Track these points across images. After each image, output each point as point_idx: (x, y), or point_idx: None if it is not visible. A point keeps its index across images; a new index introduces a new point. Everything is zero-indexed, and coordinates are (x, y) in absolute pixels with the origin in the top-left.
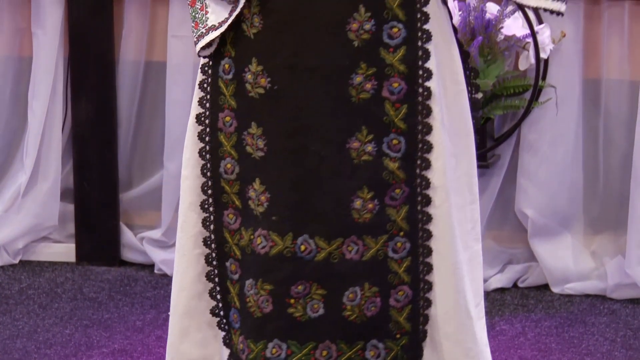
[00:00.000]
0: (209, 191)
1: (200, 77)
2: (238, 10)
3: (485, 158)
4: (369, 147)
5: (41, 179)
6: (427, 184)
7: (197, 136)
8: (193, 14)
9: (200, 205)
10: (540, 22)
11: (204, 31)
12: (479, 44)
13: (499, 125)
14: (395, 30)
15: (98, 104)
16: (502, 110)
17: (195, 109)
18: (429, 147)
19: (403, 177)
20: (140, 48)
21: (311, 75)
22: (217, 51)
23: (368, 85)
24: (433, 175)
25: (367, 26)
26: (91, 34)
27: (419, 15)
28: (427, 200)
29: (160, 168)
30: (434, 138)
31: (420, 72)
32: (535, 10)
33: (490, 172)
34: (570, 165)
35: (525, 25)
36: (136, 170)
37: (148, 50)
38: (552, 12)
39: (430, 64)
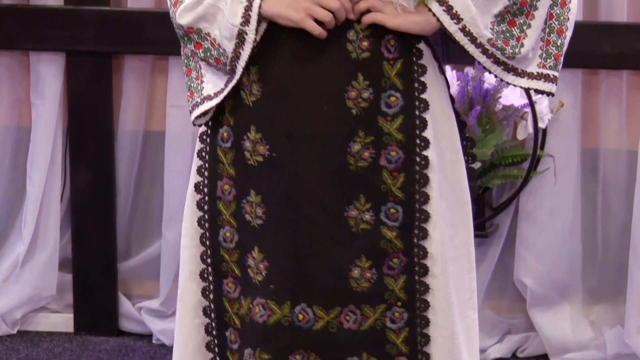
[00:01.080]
0: (208, 260)
1: (198, 145)
2: (234, 81)
3: (483, 227)
4: (367, 216)
5: (39, 249)
6: (424, 253)
7: (196, 205)
8: (189, 82)
9: (199, 275)
10: None
11: (199, 100)
12: (477, 113)
13: (498, 195)
14: (393, 99)
15: (97, 174)
16: (501, 179)
17: (194, 178)
18: (426, 217)
19: (401, 247)
20: (139, 118)
21: (310, 143)
22: (216, 119)
23: (366, 154)
24: (430, 244)
25: (365, 94)
26: (90, 104)
27: (416, 85)
28: (425, 270)
29: (159, 237)
30: (432, 207)
31: (418, 141)
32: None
33: (489, 242)
34: (569, 234)
35: (524, 94)
36: (134, 240)
37: (147, 120)
38: (542, 92)
39: (428, 133)
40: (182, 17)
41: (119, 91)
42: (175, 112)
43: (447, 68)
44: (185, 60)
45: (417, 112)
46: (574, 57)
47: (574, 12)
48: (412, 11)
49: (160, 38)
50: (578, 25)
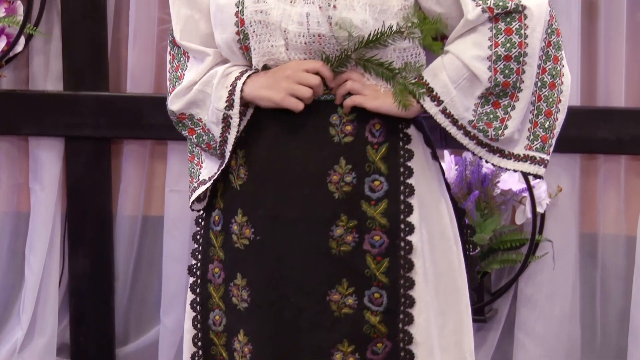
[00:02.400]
0: (199, 343)
1: (195, 229)
2: (223, 165)
3: (482, 312)
4: (350, 300)
5: (37, 334)
6: (409, 339)
7: (190, 288)
8: (190, 169)
9: (191, 358)
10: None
11: (196, 185)
12: (475, 198)
13: (496, 280)
14: (377, 183)
15: (95, 259)
16: (499, 264)
17: (191, 261)
18: (411, 302)
19: (385, 332)
20: (137, 202)
21: (292, 227)
22: (210, 203)
23: (349, 238)
24: (416, 330)
25: (348, 178)
26: (89, 189)
27: (402, 170)
28: (410, 356)
29: (157, 323)
30: (417, 293)
31: (402, 226)
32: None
33: (488, 327)
34: (568, 319)
35: (522, 179)
36: (133, 325)
37: (145, 205)
38: (529, 174)
39: (413, 218)
40: (173, 103)
41: (118, 176)
42: (173, 197)
43: (445, 153)
44: (190, 147)
45: (402, 197)
46: (572, 142)
47: (567, 94)
48: (387, 93)
49: (159, 123)
50: (576, 110)
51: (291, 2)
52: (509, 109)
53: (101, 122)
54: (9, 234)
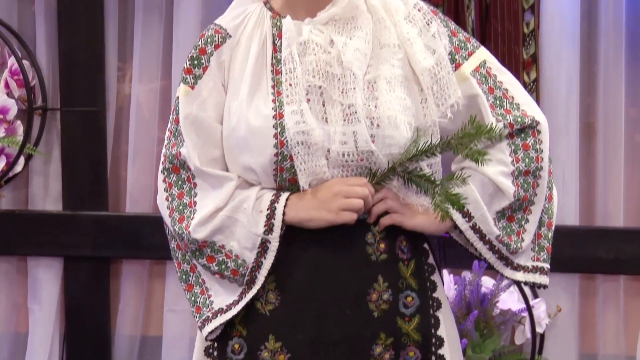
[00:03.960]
0: None
1: (192, 349)
2: (254, 291)
3: None
4: None
5: None
6: None
7: None
8: (192, 298)
9: None
10: (535, 296)
11: (210, 315)
12: (474, 318)
13: None
14: (409, 299)
15: None
16: None
17: None
18: None
19: None
20: (136, 322)
21: (334, 348)
22: (223, 332)
23: (387, 356)
24: None
25: (385, 296)
26: (87, 309)
27: (428, 284)
28: None
29: None
30: None
31: (433, 340)
32: (518, 284)
33: None
34: None
35: (521, 299)
36: None
37: (144, 325)
38: (534, 284)
39: (441, 331)
40: (197, 232)
41: (117, 296)
42: (172, 317)
43: (445, 272)
44: (184, 277)
45: (431, 311)
46: (571, 262)
47: (555, 203)
48: (425, 211)
49: (158, 243)
50: (574, 230)
51: (326, 121)
52: (522, 222)
53: (100, 241)
54: (7, 354)
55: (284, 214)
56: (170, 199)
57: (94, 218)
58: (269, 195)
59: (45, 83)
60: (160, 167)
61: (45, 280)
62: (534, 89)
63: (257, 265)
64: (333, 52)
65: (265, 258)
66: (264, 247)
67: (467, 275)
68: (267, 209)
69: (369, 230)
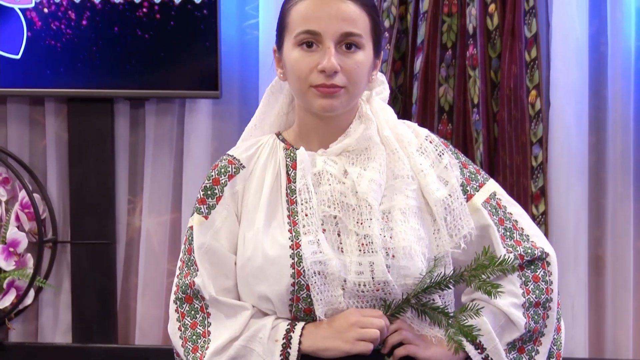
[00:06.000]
0: None
1: None
2: None
3: None
4: None
5: None
6: None
7: None
8: None
9: None
10: None
11: None
12: None
13: None
14: None
15: None
16: None
17: None
18: None
19: None
20: None
21: None
22: None
23: None
24: None
25: None
26: None
27: None
28: None
29: None
30: None
31: None
32: None
33: None
34: None
35: None
36: None
37: None
38: None
39: None
40: None
41: None
42: None
43: None
44: None
45: None
46: None
47: (564, 336)
48: (439, 342)
49: None
50: None
51: (342, 251)
52: (533, 354)
53: None
54: None
55: (299, 342)
56: (183, 328)
57: (103, 350)
58: (284, 325)
59: (55, 216)
60: (173, 296)
61: None
62: (542, 221)
63: None
64: (347, 182)
65: None
66: None
67: None
68: (283, 338)
69: (382, 359)
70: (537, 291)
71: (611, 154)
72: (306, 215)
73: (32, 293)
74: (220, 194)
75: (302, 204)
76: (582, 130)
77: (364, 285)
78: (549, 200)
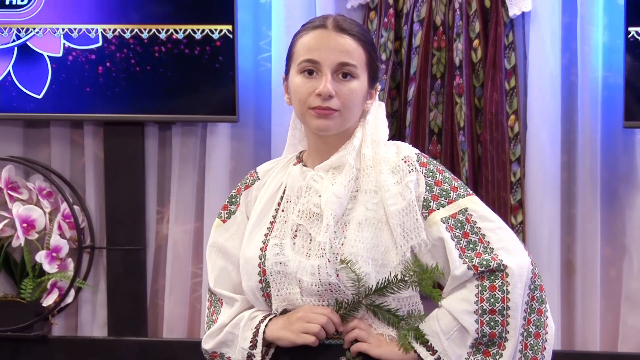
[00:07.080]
0: None
1: None
2: None
3: None
4: None
5: None
6: None
7: None
8: None
9: None
10: None
11: None
12: None
13: None
14: None
15: None
16: None
17: None
18: None
19: None
20: None
21: None
22: None
23: None
24: None
25: None
26: None
27: None
28: None
29: None
30: None
31: None
32: None
33: None
34: None
35: None
36: None
37: None
38: None
39: None
40: (206, 343)
41: None
42: None
43: None
44: None
45: None
46: None
47: (551, 343)
48: (392, 341)
49: None
50: (556, 354)
51: (307, 255)
52: (497, 357)
53: None
54: None
55: (264, 332)
56: (208, 315)
57: (136, 343)
58: (259, 316)
59: (93, 225)
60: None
61: None
62: (520, 230)
63: None
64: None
65: None
66: None
67: None
68: (254, 328)
69: (343, 354)
70: (492, 299)
71: (580, 170)
72: (285, 222)
73: (72, 292)
74: (239, 202)
75: (281, 212)
76: (555, 150)
77: (315, 286)
78: (526, 211)
